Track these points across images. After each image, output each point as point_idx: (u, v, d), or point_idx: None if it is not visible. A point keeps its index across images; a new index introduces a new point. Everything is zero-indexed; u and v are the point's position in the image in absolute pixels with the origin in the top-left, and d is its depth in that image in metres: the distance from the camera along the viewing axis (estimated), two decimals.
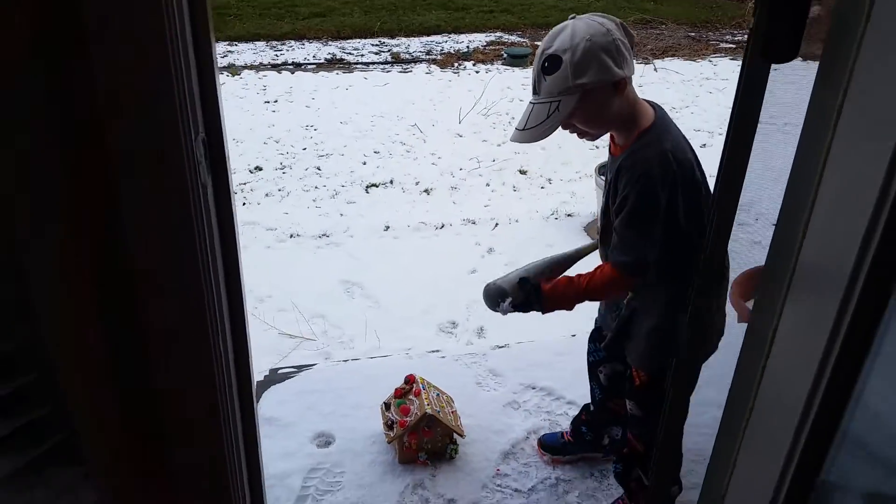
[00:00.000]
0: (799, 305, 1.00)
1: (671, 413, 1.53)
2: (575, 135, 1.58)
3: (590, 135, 1.57)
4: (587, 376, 2.00)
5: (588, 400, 2.07)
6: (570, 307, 1.65)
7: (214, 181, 0.95)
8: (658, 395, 1.55)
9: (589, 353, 1.97)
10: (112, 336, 0.94)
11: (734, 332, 1.49)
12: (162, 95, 0.81)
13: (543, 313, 1.64)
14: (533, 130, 1.48)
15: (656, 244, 1.51)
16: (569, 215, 4.33)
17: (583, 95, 1.46)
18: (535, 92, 1.51)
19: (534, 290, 1.61)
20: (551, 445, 2.11)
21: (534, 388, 2.39)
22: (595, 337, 1.95)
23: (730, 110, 1.20)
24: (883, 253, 0.82)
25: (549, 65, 1.46)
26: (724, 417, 1.49)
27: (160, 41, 0.79)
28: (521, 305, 1.63)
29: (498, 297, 1.64)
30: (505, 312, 1.64)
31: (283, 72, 7.12)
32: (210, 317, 0.97)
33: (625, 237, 1.53)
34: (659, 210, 1.48)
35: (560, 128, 1.54)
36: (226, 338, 1.07)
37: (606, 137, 1.65)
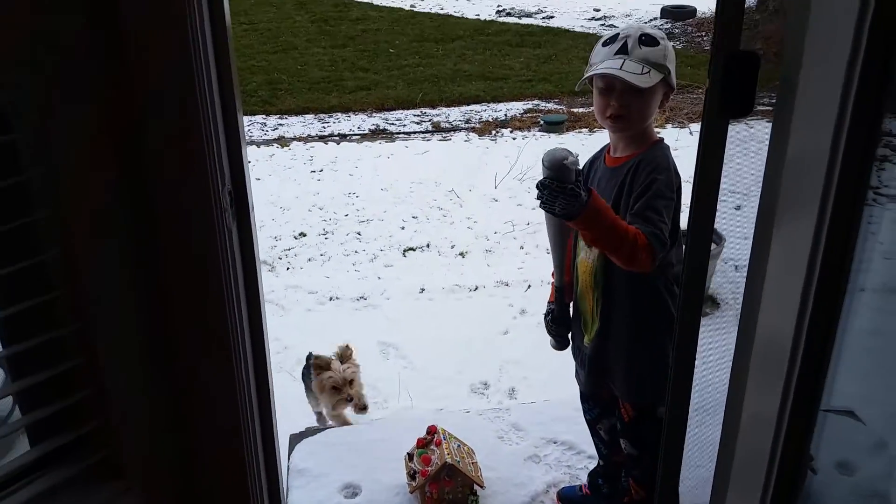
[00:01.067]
0: None
1: (668, 443, 1.59)
2: (610, 114, 1.67)
3: (623, 119, 1.67)
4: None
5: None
6: (598, 229, 1.61)
7: (239, 225, 1.13)
8: (649, 430, 1.63)
9: (585, 413, 2.06)
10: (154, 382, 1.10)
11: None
12: (196, 157, 1.02)
13: (573, 220, 1.57)
14: (633, 76, 1.60)
15: (668, 229, 1.62)
16: None
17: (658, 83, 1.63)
18: (621, 52, 1.63)
19: (586, 190, 1.58)
20: (570, 498, 2.17)
21: (555, 443, 2.46)
22: (586, 396, 2.05)
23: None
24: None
25: (647, 40, 1.63)
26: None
27: (195, 117, 1.00)
28: (567, 195, 1.54)
29: (568, 154, 1.56)
30: (573, 166, 1.54)
31: (330, 143, 7.49)
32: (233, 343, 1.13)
33: (646, 216, 1.61)
34: (672, 206, 1.63)
35: (599, 95, 1.69)
36: (246, 355, 1.21)
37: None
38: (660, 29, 2.03)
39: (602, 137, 1.94)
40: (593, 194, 1.58)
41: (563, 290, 1.88)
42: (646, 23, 12.32)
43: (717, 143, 1.35)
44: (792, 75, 1.03)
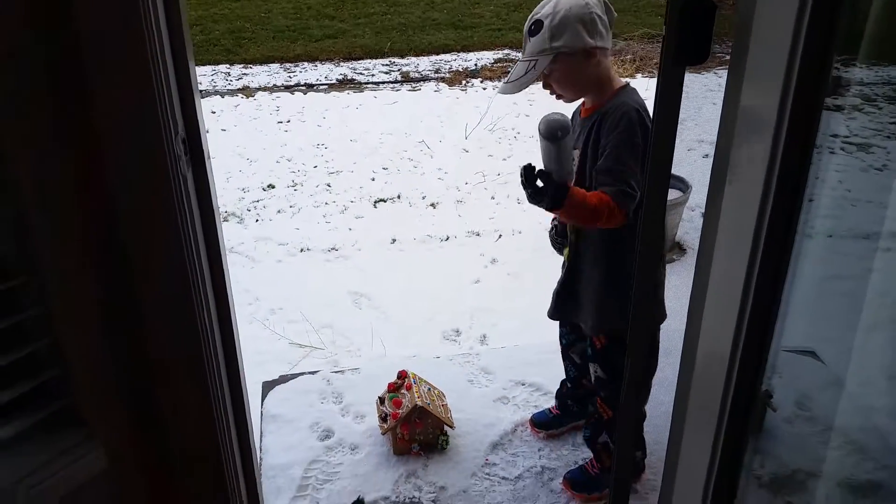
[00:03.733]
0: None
1: (629, 380, 1.65)
2: (554, 96, 1.77)
3: (564, 98, 1.76)
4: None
5: (563, 377, 2.26)
6: (576, 215, 1.70)
7: (195, 174, 1.11)
8: (619, 356, 1.69)
9: (561, 337, 2.14)
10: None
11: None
12: (145, 101, 0.99)
13: (551, 210, 1.67)
14: (512, 84, 1.68)
15: (638, 179, 1.65)
16: None
17: (557, 58, 1.66)
18: (522, 51, 1.72)
19: (560, 188, 1.63)
20: (543, 422, 2.28)
21: (523, 385, 2.52)
22: (563, 322, 2.12)
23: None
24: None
25: (534, 28, 1.68)
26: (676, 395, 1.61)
27: (143, 62, 0.97)
28: (543, 194, 1.63)
29: (560, 129, 1.60)
30: (558, 143, 1.59)
31: (296, 93, 7.34)
32: (195, 296, 1.12)
33: (611, 170, 1.66)
34: (639, 149, 1.65)
35: (542, 86, 1.74)
36: (210, 308, 1.21)
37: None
38: None
39: None
40: (571, 190, 1.64)
41: None
42: None
43: (674, 90, 1.36)
44: (746, 22, 1.04)
